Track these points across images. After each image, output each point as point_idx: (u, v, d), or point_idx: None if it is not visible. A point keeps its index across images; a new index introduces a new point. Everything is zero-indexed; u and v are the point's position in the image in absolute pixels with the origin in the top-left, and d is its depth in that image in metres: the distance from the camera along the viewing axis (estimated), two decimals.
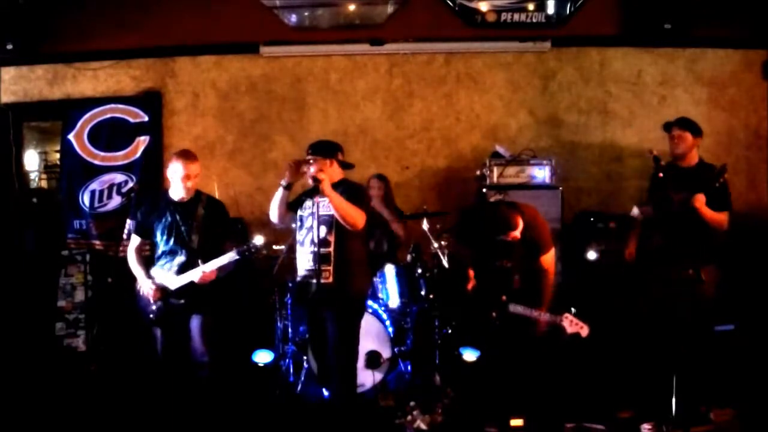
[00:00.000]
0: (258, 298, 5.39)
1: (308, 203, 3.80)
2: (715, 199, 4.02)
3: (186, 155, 4.00)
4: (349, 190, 3.68)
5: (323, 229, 3.62)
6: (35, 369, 5.16)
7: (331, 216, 3.62)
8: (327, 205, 3.60)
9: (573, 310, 3.89)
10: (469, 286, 4.09)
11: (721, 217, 4.08)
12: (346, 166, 3.83)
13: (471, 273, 4.14)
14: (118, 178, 6.00)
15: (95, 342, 5.57)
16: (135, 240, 4.11)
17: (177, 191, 3.99)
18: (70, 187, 6.01)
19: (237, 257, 3.86)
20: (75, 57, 6.06)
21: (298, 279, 3.83)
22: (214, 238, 4.02)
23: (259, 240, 3.93)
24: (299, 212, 3.85)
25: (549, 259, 3.99)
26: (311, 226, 3.69)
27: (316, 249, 3.60)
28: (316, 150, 3.76)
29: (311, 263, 3.66)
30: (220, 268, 3.92)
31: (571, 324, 3.81)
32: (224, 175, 6.01)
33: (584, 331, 3.81)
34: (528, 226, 3.85)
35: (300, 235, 3.81)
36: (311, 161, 3.68)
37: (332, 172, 3.71)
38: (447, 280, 5.13)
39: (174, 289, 3.93)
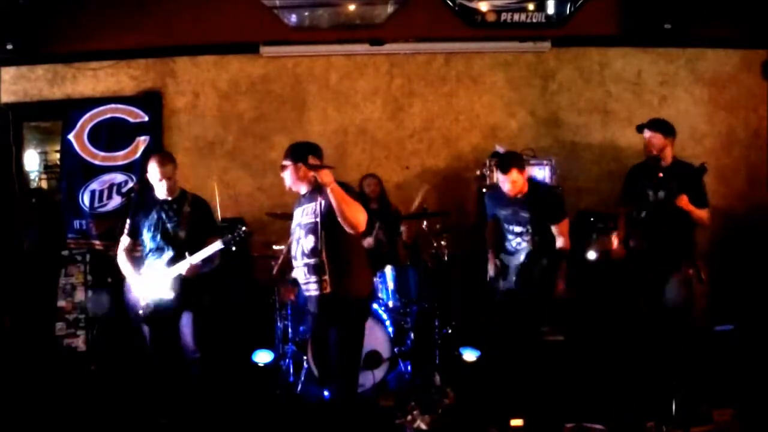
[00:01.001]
0: (258, 298, 5.38)
1: (295, 214, 3.65)
2: (696, 198, 4.09)
3: (160, 157, 4.10)
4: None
5: (311, 239, 3.43)
6: (35, 369, 5.16)
7: (316, 223, 3.42)
8: (309, 213, 3.45)
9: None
10: (491, 267, 4.36)
11: (703, 214, 4.16)
12: (319, 168, 3.47)
13: (492, 255, 4.39)
14: (118, 178, 6.00)
15: (95, 342, 5.57)
16: (125, 240, 4.13)
17: (160, 191, 4.07)
18: (70, 187, 6.01)
19: (222, 246, 3.89)
20: (75, 57, 6.06)
21: (301, 292, 3.74)
22: (200, 235, 4.05)
23: (242, 227, 3.93)
24: (291, 227, 3.71)
25: (562, 227, 4.36)
26: (299, 237, 3.54)
27: (308, 260, 3.45)
28: (286, 154, 3.56)
29: (306, 276, 3.50)
30: (205, 261, 3.94)
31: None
32: (224, 175, 6.01)
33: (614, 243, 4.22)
34: (541, 201, 4.33)
35: (292, 249, 3.63)
36: (285, 166, 3.54)
37: (304, 175, 3.50)
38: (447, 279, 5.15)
39: (164, 286, 3.95)
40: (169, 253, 3.99)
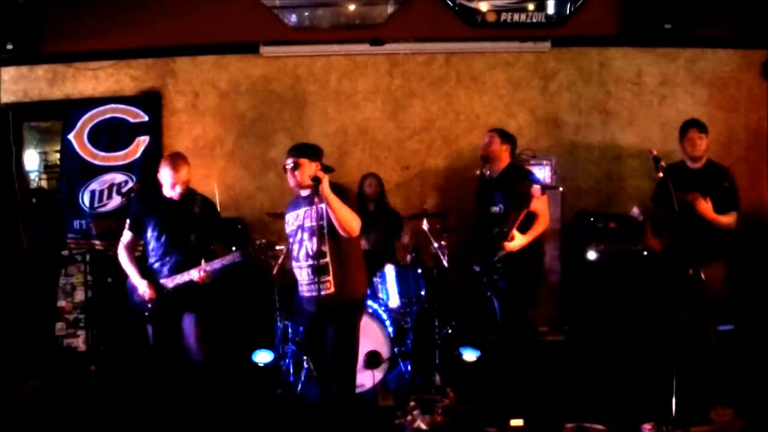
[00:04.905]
0: (258, 298, 5.38)
1: (293, 216, 3.70)
2: (722, 200, 4.07)
3: (173, 161, 3.97)
4: (335, 191, 3.46)
5: (316, 241, 3.49)
6: (35, 369, 5.16)
7: (321, 226, 3.48)
8: (313, 215, 3.48)
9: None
10: None
11: (726, 220, 4.14)
12: (328, 169, 3.54)
13: None
14: (118, 178, 6.00)
15: (95, 342, 5.57)
16: (127, 236, 4.08)
17: (169, 191, 4.00)
18: (70, 187, 6.01)
19: (240, 259, 3.85)
20: (75, 57, 6.06)
21: (300, 293, 3.73)
22: (207, 238, 4.02)
23: (262, 240, 3.90)
24: (287, 228, 3.74)
25: (540, 205, 4.13)
26: (302, 239, 3.60)
27: (313, 262, 3.52)
28: (301, 152, 3.59)
29: (310, 276, 3.56)
30: (219, 270, 3.90)
31: None
32: (224, 175, 6.01)
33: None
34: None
35: (293, 250, 3.68)
36: (292, 163, 3.55)
37: (311, 176, 3.50)
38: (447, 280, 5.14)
39: (170, 287, 3.93)
40: (175, 256, 3.94)
